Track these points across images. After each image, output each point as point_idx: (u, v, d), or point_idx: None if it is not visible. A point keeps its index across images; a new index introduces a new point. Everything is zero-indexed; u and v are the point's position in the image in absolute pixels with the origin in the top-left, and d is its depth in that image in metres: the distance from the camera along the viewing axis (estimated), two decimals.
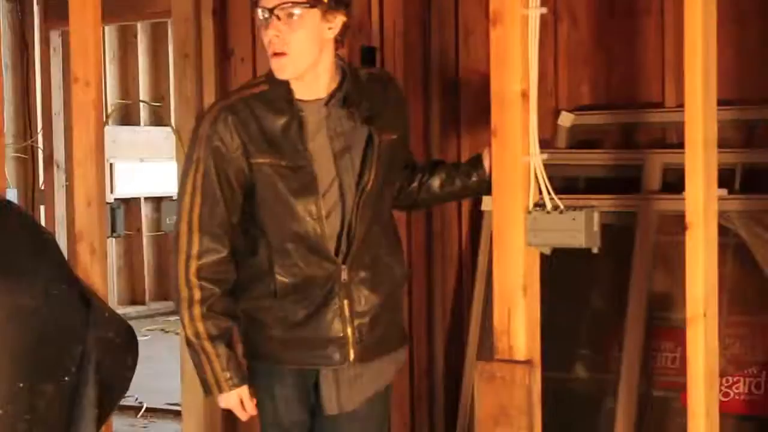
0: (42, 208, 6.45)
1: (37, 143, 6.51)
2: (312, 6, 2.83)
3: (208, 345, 2.95)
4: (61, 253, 3.69)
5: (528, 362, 2.87)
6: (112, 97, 7.30)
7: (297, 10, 2.82)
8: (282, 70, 2.89)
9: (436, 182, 3.22)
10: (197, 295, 2.92)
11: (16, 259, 3.43)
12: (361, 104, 2.96)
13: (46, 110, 6.42)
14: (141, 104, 8.40)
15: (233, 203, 2.93)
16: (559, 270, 3.42)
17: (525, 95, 2.89)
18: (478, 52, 4.46)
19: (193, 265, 2.92)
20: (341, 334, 2.97)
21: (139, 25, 6.58)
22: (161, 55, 6.57)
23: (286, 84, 2.92)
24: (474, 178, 3.20)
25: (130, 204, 10.45)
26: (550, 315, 3.11)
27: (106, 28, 6.23)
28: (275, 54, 2.88)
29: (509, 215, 2.90)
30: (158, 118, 10.27)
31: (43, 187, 6.48)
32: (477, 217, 4.47)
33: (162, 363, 7.50)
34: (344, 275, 2.95)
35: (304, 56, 2.87)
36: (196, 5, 4.80)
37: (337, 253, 2.95)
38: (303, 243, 2.93)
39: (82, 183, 3.85)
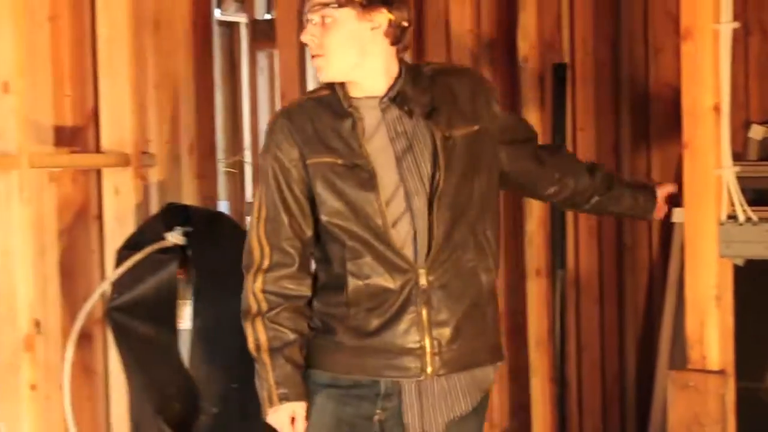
0: (249, 219, 6.65)
1: (244, 158, 6.74)
2: (341, 6, 2.69)
3: (266, 357, 2.76)
4: None
5: (721, 372, 2.91)
6: None
7: (328, 13, 2.70)
8: (321, 71, 2.76)
9: (607, 199, 2.99)
10: (264, 307, 2.77)
11: (228, 266, 3.61)
12: (419, 100, 2.75)
13: (253, 127, 6.60)
14: None
15: (302, 214, 2.77)
16: (751, 281, 3.44)
17: (717, 109, 2.93)
18: (668, 67, 4.50)
19: (260, 278, 2.79)
20: (418, 345, 2.70)
21: None
22: None
23: (342, 86, 2.76)
24: (641, 209, 3.01)
25: None
26: (743, 325, 3.11)
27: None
28: (313, 56, 2.76)
29: (702, 227, 2.94)
30: None
31: (250, 200, 6.71)
32: (667, 228, 4.51)
33: None
34: (422, 280, 2.70)
35: (342, 57, 2.72)
36: None
37: (413, 257, 2.70)
38: (374, 239, 2.70)
39: None
